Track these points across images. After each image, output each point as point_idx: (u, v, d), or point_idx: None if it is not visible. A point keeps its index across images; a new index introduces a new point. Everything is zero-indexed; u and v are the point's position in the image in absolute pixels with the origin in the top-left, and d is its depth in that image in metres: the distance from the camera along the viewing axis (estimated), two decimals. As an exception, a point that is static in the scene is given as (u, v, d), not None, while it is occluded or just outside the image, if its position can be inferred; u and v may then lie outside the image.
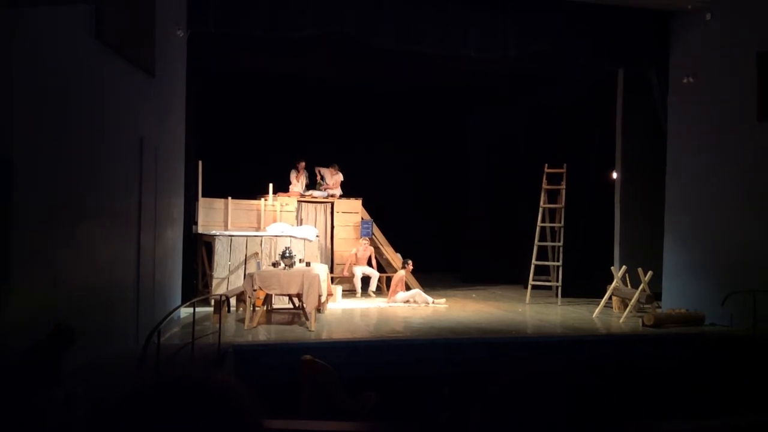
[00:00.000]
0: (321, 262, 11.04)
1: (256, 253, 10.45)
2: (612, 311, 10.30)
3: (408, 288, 11.54)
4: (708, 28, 9.79)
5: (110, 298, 6.48)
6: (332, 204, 12.72)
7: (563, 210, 11.75)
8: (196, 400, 0.73)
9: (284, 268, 8.82)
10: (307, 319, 8.51)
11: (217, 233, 10.58)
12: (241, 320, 8.73)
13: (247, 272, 9.70)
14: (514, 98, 13.92)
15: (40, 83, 5.22)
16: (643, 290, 9.64)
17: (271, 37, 9.40)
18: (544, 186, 11.81)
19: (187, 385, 0.74)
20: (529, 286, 11.66)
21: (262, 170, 12.43)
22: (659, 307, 10.05)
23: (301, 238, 10.83)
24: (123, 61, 6.68)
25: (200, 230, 11.02)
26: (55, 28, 5.44)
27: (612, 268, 10.59)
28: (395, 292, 11.15)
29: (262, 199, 11.96)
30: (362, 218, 12.71)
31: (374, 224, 12.70)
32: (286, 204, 12.15)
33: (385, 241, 12.89)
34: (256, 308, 8.65)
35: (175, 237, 8.90)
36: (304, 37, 9.46)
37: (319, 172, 12.92)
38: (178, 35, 8.69)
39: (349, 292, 11.96)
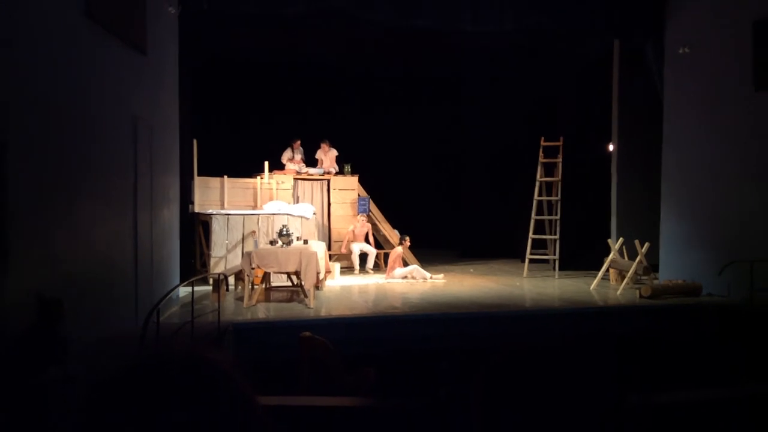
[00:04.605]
0: (318, 239, 11.04)
1: (254, 232, 10.45)
2: (609, 283, 10.34)
3: (405, 264, 11.56)
4: (704, -2, 9.71)
5: (108, 279, 6.48)
6: (329, 181, 12.68)
7: (560, 183, 11.73)
8: (185, 377, 0.72)
9: (282, 246, 8.81)
10: (305, 296, 8.53)
11: (214, 212, 10.56)
12: (240, 298, 8.75)
13: (244, 251, 9.70)
14: (511, 71, 13.83)
15: (30, 63, 5.16)
16: (640, 262, 9.66)
17: (264, 13, 9.29)
18: (541, 159, 11.79)
19: (175, 362, 0.73)
20: (527, 260, 11.69)
21: (257, 148, 12.36)
22: (656, 278, 10.08)
23: (298, 216, 10.82)
24: (114, 39, 6.61)
25: (197, 209, 11.00)
26: (43, 6, 5.37)
27: (609, 240, 10.60)
28: (393, 268, 11.17)
29: (258, 177, 11.92)
30: (359, 195, 12.68)
31: (371, 201, 12.68)
32: (282, 182, 12.11)
33: (382, 217, 12.89)
34: (255, 286, 8.66)
35: (171, 217, 8.88)
36: (298, 13, 9.36)
37: (319, 159, 12.83)
38: (169, 12, 8.59)
39: (347, 269, 11.98)
